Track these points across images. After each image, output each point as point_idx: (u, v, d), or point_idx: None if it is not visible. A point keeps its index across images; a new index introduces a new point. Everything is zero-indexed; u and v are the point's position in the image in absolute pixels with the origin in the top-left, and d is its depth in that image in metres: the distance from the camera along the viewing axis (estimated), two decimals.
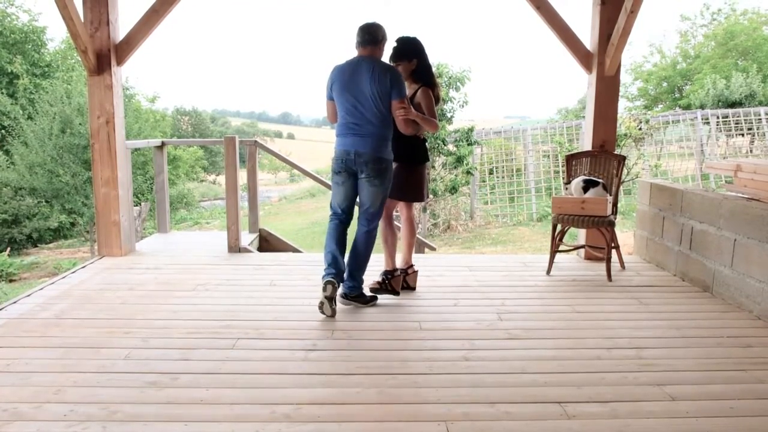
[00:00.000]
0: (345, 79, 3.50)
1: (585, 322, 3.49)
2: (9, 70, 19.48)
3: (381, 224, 3.84)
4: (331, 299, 3.43)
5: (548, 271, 4.57)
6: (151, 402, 2.44)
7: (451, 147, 12.18)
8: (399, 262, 4.01)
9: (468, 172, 12.07)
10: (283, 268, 4.73)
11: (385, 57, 3.63)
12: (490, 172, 14.06)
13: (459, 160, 11.93)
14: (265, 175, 36.45)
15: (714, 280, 3.97)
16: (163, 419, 2.31)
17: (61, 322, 3.40)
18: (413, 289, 4.02)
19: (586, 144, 5.04)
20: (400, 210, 4.01)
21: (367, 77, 3.44)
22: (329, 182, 6.67)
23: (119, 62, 4.78)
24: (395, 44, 3.70)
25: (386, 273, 3.90)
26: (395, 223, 4.06)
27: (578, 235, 5.29)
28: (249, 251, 5.36)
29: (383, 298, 3.82)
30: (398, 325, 3.41)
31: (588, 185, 4.43)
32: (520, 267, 4.80)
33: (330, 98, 3.63)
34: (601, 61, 4.77)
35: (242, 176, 5.84)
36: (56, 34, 30.51)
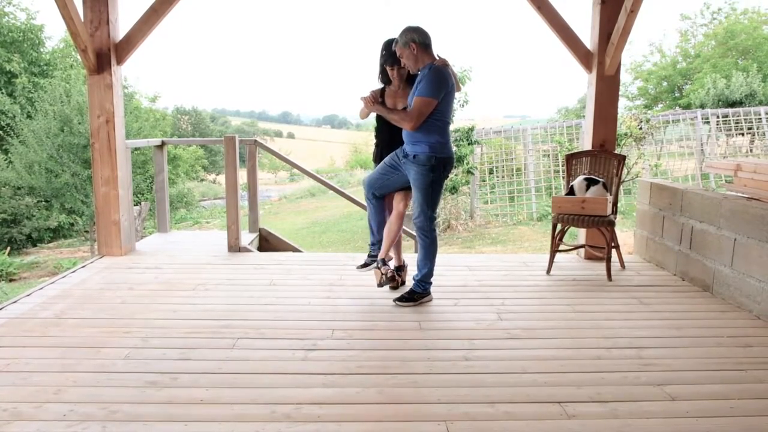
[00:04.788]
0: (452, 84, 3.58)
1: (585, 321, 3.49)
2: (7, 69, 19.48)
3: (395, 219, 3.93)
4: None
5: (548, 271, 4.57)
6: (151, 402, 2.44)
7: None
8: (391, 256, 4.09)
9: (468, 172, 12.07)
10: (282, 267, 4.73)
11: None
12: (490, 172, 14.05)
13: (459, 159, 11.92)
14: (265, 175, 36.46)
15: (714, 280, 3.97)
16: (163, 419, 2.31)
17: (61, 322, 3.40)
18: (404, 283, 4.08)
19: (586, 143, 5.04)
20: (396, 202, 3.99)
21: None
22: (329, 182, 6.68)
23: (119, 61, 4.78)
24: (395, 49, 3.62)
25: (397, 269, 4.06)
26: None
27: (578, 234, 5.29)
28: (249, 251, 5.36)
29: (383, 298, 3.83)
30: (398, 325, 3.41)
31: (588, 184, 4.43)
32: (520, 267, 4.80)
33: (438, 99, 3.47)
34: (601, 60, 4.77)
35: (242, 175, 5.84)
36: (54, 33, 30.51)
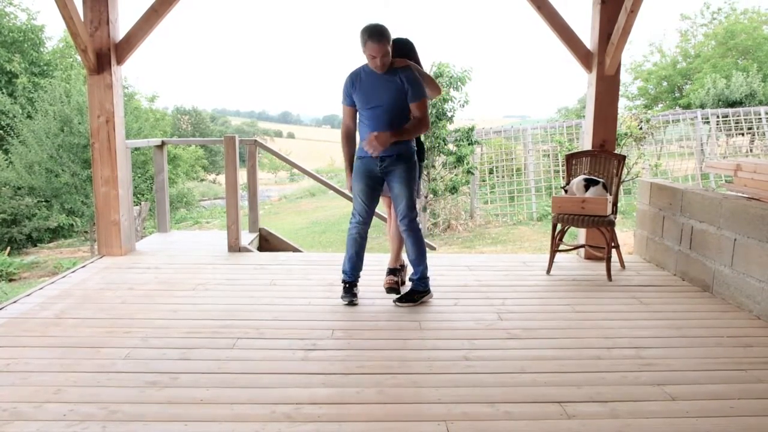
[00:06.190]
0: None
1: (585, 321, 3.49)
2: (8, 69, 19.48)
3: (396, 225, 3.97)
4: None
5: (548, 271, 4.57)
6: (151, 402, 2.44)
7: (451, 146, 12.18)
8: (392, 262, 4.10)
9: (468, 172, 12.07)
10: (283, 267, 4.73)
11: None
12: (490, 172, 14.05)
13: (459, 159, 11.92)
14: (265, 175, 36.42)
15: (714, 280, 3.97)
16: (163, 419, 2.31)
17: (61, 322, 3.40)
18: (404, 283, 4.09)
19: (586, 143, 5.04)
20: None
21: None
22: (329, 182, 6.69)
23: (119, 61, 4.78)
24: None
25: (396, 270, 4.04)
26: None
27: (578, 234, 5.29)
28: (249, 251, 5.36)
29: (383, 298, 3.83)
30: (398, 325, 3.41)
31: (588, 184, 4.43)
32: (520, 266, 4.80)
33: None
34: (601, 60, 4.77)
35: (242, 175, 5.84)
36: (54, 33, 30.51)
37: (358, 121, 3.69)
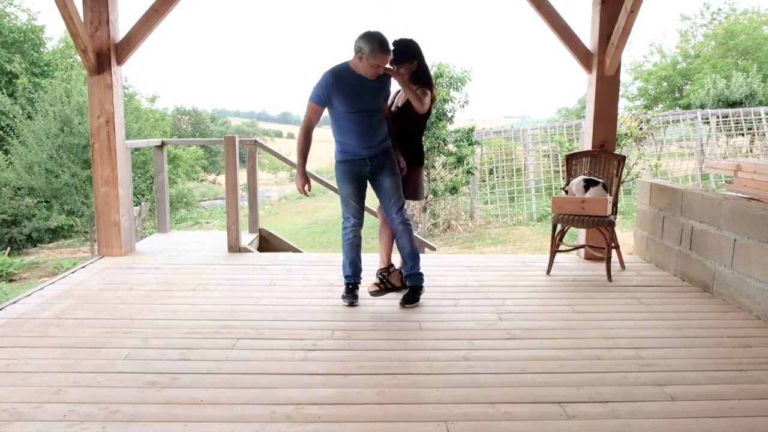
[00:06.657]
0: None
1: (585, 322, 3.49)
2: (8, 69, 19.49)
3: (379, 222, 3.98)
4: None
5: (548, 271, 4.57)
6: (150, 402, 2.44)
7: (451, 147, 12.18)
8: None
9: (468, 172, 12.07)
10: (283, 267, 4.73)
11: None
12: (490, 172, 14.06)
13: (459, 160, 11.93)
14: (265, 175, 36.41)
15: (714, 280, 3.97)
16: (163, 419, 2.31)
17: (61, 322, 3.40)
18: (405, 286, 4.04)
19: (586, 144, 5.04)
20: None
21: None
22: (329, 182, 6.69)
23: (119, 62, 4.78)
24: (394, 47, 3.64)
25: (382, 270, 3.94)
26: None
27: (578, 235, 5.29)
28: (249, 251, 5.36)
29: (383, 298, 3.83)
30: (398, 325, 3.41)
31: (588, 185, 4.43)
32: (520, 267, 4.80)
33: None
34: (601, 60, 4.77)
35: (242, 176, 5.84)
36: (55, 33, 30.52)
37: (334, 122, 3.66)
